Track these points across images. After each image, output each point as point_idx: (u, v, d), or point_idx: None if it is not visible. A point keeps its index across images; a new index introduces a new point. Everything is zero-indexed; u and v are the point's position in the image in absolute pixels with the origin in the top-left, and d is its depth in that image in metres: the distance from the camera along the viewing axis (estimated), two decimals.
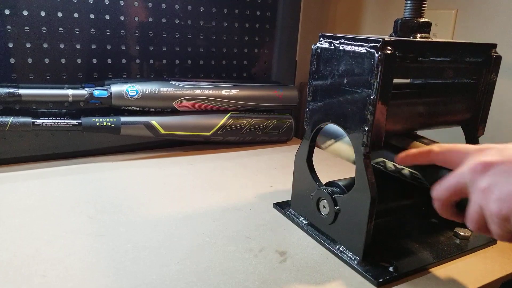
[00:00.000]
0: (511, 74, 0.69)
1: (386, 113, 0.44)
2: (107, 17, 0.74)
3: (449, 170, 0.42)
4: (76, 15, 0.71)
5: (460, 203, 0.41)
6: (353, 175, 0.47)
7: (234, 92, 0.83)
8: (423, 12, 0.49)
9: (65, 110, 0.74)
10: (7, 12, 0.65)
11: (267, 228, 0.54)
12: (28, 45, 0.68)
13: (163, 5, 0.78)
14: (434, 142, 0.52)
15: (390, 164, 0.50)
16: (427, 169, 0.46)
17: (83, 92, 0.71)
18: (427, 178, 0.46)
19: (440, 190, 0.41)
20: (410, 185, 0.50)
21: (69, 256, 0.46)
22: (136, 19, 0.77)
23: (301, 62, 1.02)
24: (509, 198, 0.34)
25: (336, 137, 0.54)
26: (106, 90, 0.72)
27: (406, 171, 0.48)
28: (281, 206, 0.59)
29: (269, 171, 0.75)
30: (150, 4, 0.77)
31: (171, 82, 0.78)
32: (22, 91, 0.67)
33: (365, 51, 0.43)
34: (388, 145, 0.51)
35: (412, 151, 0.45)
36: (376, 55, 0.41)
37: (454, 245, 0.52)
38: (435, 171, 0.45)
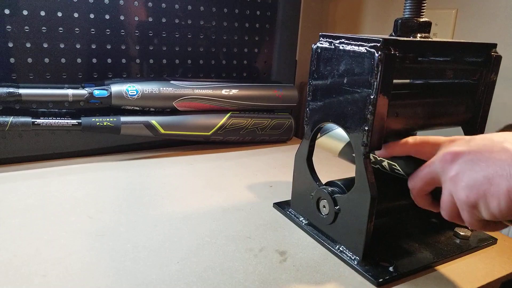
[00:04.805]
0: (511, 74, 0.69)
1: (386, 113, 0.44)
2: (107, 17, 0.74)
3: (424, 161, 0.43)
4: (76, 15, 0.71)
5: (436, 193, 0.42)
6: (353, 175, 0.47)
7: (234, 92, 0.83)
8: (423, 12, 0.49)
9: (65, 110, 0.74)
10: (7, 12, 0.65)
11: (267, 228, 0.54)
12: (28, 45, 0.68)
13: (163, 5, 0.78)
14: None
15: (370, 156, 0.51)
16: (404, 161, 0.47)
17: (83, 91, 0.71)
18: (404, 170, 0.47)
19: (415, 180, 0.43)
20: None
21: (69, 256, 0.46)
22: (136, 19, 0.77)
23: (301, 62, 1.02)
24: (476, 186, 0.35)
25: (322, 132, 0.55)
26: (106, 89, 0.72)
27: (386, 163, 0.49)
28: (281, 206, 0.59)
29: (269, 170, 0.75)
30: (150, 4, 0.77)
31: (171, 82, 0.78)
32: (22, 91, 0.67)
33: (365, 51, 0.43)
34: None
35: (389, 143, 0.46)
36: (376, 54, 0.41)
37: (454, 245, 0.52)
38: (410, 162, 0.46)
